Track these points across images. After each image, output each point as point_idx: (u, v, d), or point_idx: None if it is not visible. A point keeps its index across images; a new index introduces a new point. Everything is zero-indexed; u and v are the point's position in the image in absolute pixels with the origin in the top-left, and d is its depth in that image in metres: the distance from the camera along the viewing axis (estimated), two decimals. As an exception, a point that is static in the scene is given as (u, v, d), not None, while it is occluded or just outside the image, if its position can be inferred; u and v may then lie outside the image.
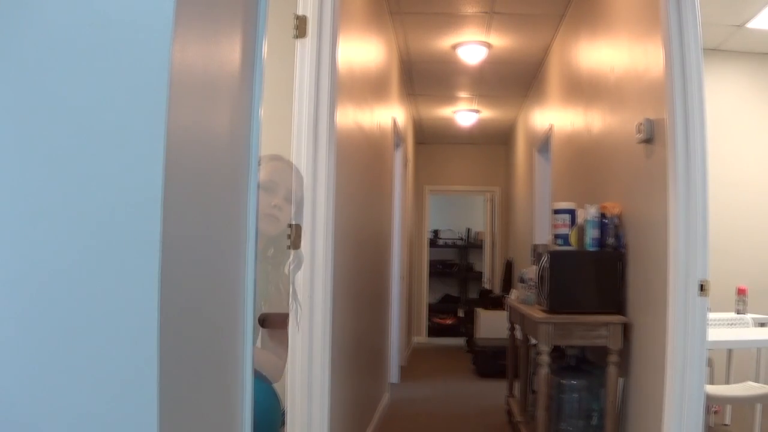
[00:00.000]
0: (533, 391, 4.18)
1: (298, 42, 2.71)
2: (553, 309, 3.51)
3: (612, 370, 3.37)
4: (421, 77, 7.21)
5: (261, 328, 1.92)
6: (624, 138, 3.57)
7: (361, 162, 4.22)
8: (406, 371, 7.47)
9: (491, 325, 7.30)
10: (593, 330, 3.42)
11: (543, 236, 5.71)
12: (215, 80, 1.31)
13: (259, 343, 1.95)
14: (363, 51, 4.25)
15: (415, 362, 8.35)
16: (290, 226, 2.02)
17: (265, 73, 1.52)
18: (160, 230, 1.01)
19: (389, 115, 5.85)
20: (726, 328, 4.24)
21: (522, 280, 4.52)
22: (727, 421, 4.58)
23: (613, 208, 3.55)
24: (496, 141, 10.14)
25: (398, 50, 6.27)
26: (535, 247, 5.03)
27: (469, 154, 10.39)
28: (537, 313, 3.63)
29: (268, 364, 1.93)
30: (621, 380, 3.42)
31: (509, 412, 5.05)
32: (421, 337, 10.16)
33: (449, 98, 8.17)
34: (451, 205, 11.55)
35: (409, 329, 8.91)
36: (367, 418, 4.64)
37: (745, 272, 4.80)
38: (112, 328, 1.01)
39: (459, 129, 9.30)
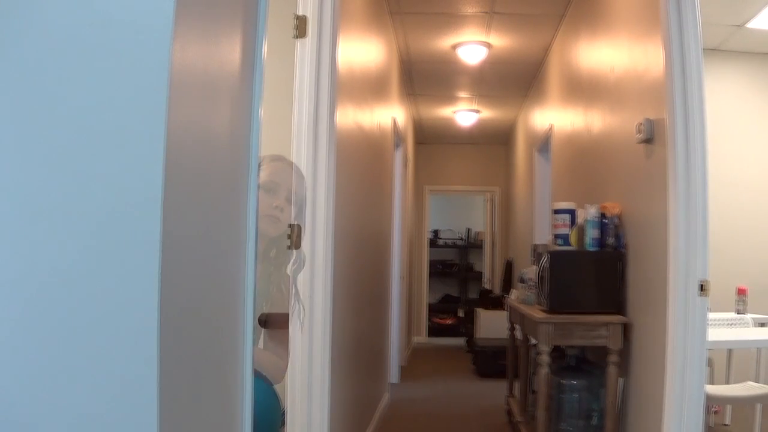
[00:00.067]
0: (533, 391, 4.18)
1: (298, 42, 2.71)
2: (553, 309, 3.51)
3: (612, 370, 3.38)
4: (421, 77, 7.21)
5: (262, 329, 1.92)
6: (624, 138, 3.56)
7: (361, 162, 4.22)
8: (406, 371, 7.47)
9: (491, 325, 7.30)
10: (593, 330, 3.42)
11: (543, 236, 5.71)
12: (215, 80, 1.31)
13: (261, 344, 1.95)
14: (363, 51, 4.25)
15: (415, 362, 8.34)
16: (291, 226, 2.02)
17: (265, 73, 1.52)
18: (160, 230, 1.01)
19: (389, 115, 5.85)
20: (726, 328, 4.24)
21: (522, 280, 4.52)
22: (727, 421, 4.58)
23: (613, 208, 3.55)
24: (496, 141, 10.13)
25: (398, 50, 6.27)
26: (535, 247, 5.03)
27: (469, 154, 10.39)
28: (537, 313, 3.63)
29: (270, 365, 1.93)
30: (621, 380, 3.42)
31: (509, 412, 5.05)
32: (421, 337, 10.15)
33: (449, 98, 8.17)
34: (451, 205, 11.55)
35: (409, 329, 8.91)
36: (367, 418, 4.64)
37: (745, 272, 4.80)
38: (112, 328, 1.01)
39: (459, 129, 9.29)
